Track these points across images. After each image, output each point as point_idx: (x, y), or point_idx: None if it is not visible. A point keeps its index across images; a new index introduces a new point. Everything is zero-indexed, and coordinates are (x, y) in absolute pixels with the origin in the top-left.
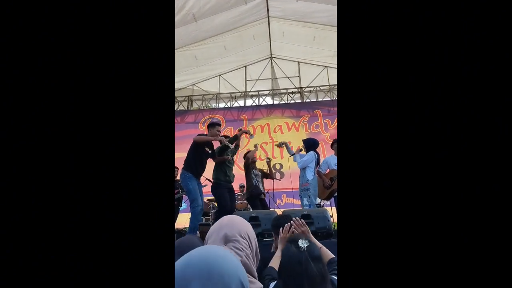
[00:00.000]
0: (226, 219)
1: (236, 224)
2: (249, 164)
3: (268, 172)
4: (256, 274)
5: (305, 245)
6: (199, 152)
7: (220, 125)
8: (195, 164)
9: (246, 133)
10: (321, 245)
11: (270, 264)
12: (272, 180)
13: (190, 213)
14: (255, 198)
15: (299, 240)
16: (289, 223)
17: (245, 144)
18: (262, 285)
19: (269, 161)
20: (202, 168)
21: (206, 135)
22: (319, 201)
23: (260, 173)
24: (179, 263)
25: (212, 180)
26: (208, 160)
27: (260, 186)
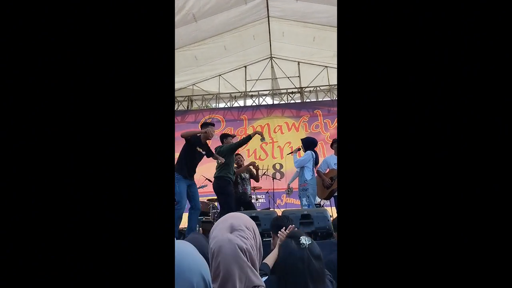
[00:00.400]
0: (231, 214)
1: (242, 217)
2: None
3: (255, 173)
4: (258, 267)
5: (307, 243)
6: (191, 153)
7: (213, 125)
8: (186, 165)
9: (259, 134)
10: None
11: (265, 261)
12: (257, 181)
13: (188, 213)
14: (241, 204)
15: (301, 237)
16: (292, 225)
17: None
18: (261, 279)
19: (257, 167)
20: (193, 170)
21: (199, 135)
22: (319, 201)
23: (247, 176)
24: None
25: (213, 178)
26: (206, 159)
27: (248, 190)
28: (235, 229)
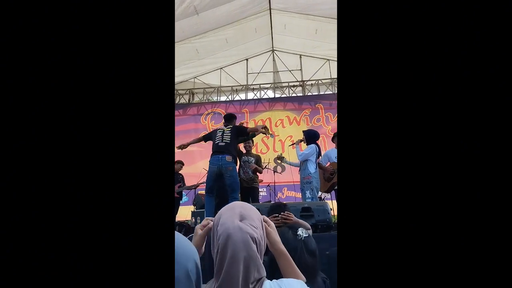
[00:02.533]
0: (238, 202)
1: (250, 207)
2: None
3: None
4: (262, 258)
5: (304, 235)
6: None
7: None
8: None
9: (264, 131)
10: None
11: None
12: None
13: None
14: (243, 190)
15: (299, 228)
16: (286, 212)
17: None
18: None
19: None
20: None
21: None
22: (320, 194)
23: (252, 159)
24: None
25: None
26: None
27: (248, 173)
28: (245, 218)
